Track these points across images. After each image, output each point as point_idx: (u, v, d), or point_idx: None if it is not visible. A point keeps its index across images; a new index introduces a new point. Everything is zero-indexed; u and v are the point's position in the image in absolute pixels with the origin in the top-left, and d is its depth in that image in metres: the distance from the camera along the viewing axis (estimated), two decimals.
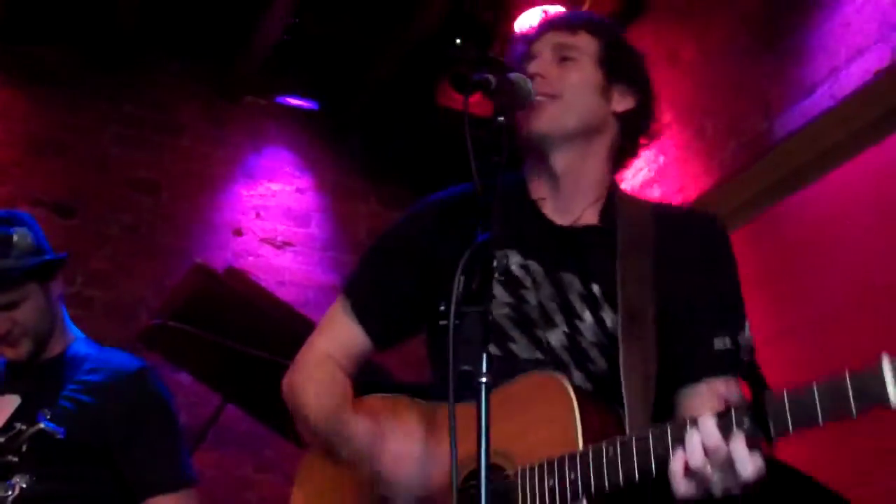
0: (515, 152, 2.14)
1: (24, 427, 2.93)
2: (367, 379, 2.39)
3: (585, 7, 5.50)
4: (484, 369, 1.66)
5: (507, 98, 2.06)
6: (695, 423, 1.70)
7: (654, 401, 2.02)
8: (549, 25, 2.32)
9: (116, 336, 4.95)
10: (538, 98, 2.18)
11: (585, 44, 2.28)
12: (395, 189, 6.44)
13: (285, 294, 5.58)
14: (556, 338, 2.11)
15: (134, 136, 5.97)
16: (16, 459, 2.91)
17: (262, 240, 6.11)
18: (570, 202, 2.24)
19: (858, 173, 4.04)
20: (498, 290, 2.14)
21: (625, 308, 2.06)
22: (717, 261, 2.18)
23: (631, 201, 2.30)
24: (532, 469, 1.90)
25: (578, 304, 2.11)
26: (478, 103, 2.13)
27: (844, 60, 4.08)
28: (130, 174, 5.90)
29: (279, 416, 4.20)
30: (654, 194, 5.02)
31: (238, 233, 6.06)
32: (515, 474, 1.92)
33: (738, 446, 1.64)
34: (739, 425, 1.65)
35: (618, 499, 1.83)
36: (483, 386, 1.65)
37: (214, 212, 6.05)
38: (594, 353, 2.09)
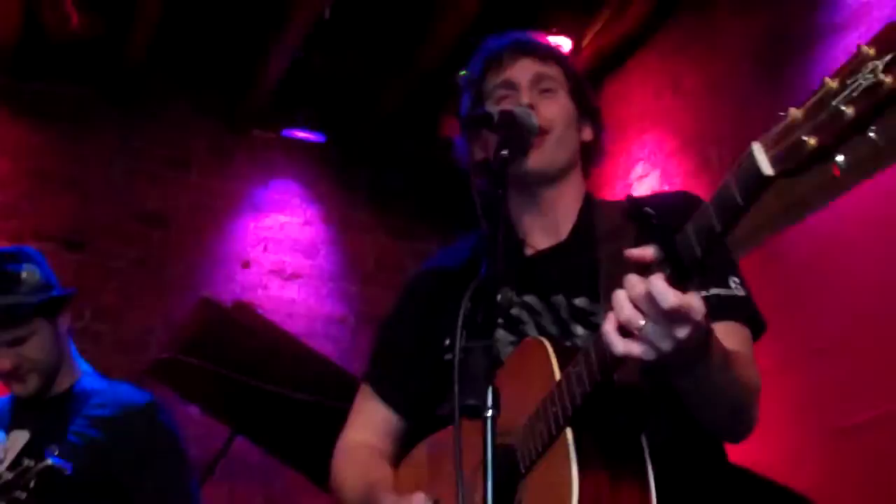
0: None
1: (32, 463, 2.93)
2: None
3: (588, 38, 5.54)
4: (489, 403, 1.67)
5: (511, 130, 2.07)
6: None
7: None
8: (521, 50, 2.27)
9: (125, 370, 4.96)
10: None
11: (558, 75, 2.26)
12: (401, 220, 6.46)
13: (293, 326, 5.59)
14: None
15: (142, 171, 6.01)
16: (23, 496, 2.91)
17: (270, 272, 6.13)
18: (552, 226, 2.24)
19: (862, 201, 4.04)
20: (501, 334, 2.13)
21: (606, 294, 2.01)
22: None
23: (607, 204, 2.30)
24: (526, 426, 1.90)
25: (570, 322, 2.11)
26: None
27: None
28: (139, 208, 5.93)
29: (288, 447, 4.22)
30: None
31: (246, 265, 6.08)
32: (515, 441, 1.93)
33: (655, 282, 1.60)
34: (658, 268, 1.63)
35: (604, 422, 1.82)
36: (489, 420, 1.67)
37: (222, 244, 6.07)
38: None
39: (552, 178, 2.21)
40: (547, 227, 2.24)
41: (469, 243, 2.32)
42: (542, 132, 2.16)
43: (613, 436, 1.82)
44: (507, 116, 2.09)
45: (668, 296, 1.59)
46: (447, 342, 1.73)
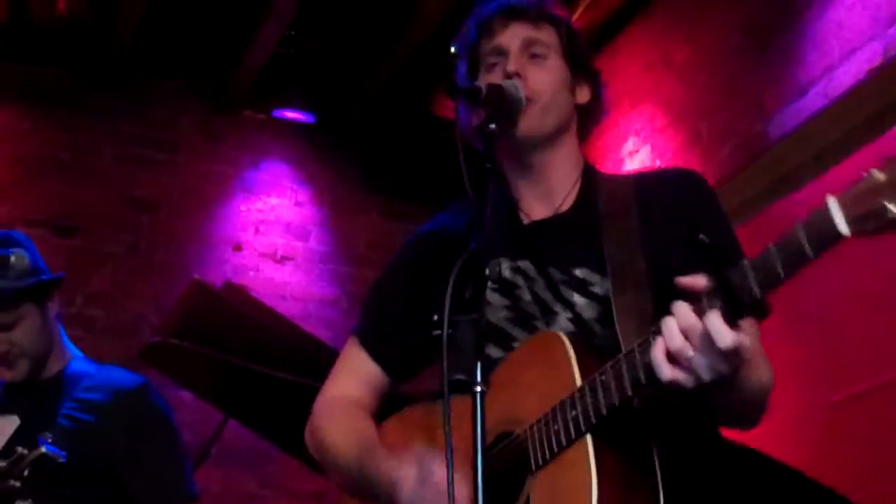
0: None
1: (25, 451, 2.93)
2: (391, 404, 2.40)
3: (578, 14, 5.51)
4: (478, 377, 1.67)
5: (498, 105, 2.06)
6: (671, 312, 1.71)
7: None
8: (512, 14, 2.26)
9: (118, 355, 4.95)
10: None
11: (551, 38, 2.24)
12: (393, 200, 6.45)
13: (286, 308, 5.58)
14: (561, 325, 2.10)
15: (131, 155, 5.98)
16: (17, 484, 2.91)
17: (262, 254, 6.12)
18: (548, 194, 2.24)
19: (854, 172, 4.03)
20: (494, 297, 2.14)
21: (613, 269, 2.05)
22: (701, 203, 2.18)
23: (609, 178, 2.30)
24: (538, 421, 1.90)
25: (566, 291, 2.11)
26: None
27: (837, 59, 4.08)
28: (129, 192, 5.91)
29: (282, 431, 4.21)
30: None
31: (237, 248, 6.06)
32: (524, 432, 1.93)
33: (713, 319, 1.63)
34: (712, 305, 1.65)
35: (618, 429, 1.83)
36: (478, 394, 1.66)
37: (213, 228, 6.05)
38: (597, 327, 2.08)
39: (540, 143, 2.20)
40: (541, 194, 2.24)
41: (467, 207, 2.29)
42: (530, 101, 2.15)
43: (628, 444, 1.84)
44: (495, 90, 2.08)
45: (726, 337, 1.63)
46: (435, 317, 1.72)
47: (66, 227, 5.69)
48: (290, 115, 6.30)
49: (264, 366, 3.81)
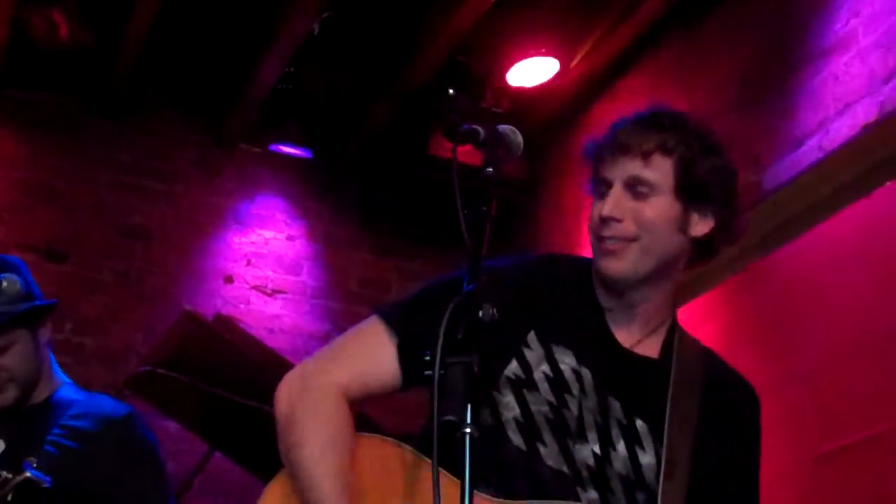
0: (504, 202, 2.12)
1: (9, 476, 2.91)
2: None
3: (577, 60, 5.56)
4: (468, 419, 1.66)
5: (497, 149, 2.05)
6: None
7: None
8: (620, 150, 2.13)
9: (106, 382, 4.95)
10: (613, 243, 2.11)
11: (661, 173, 2.12)
12: (386, 239, 6.45)
13: (275, 342, 5.57)
14: (583, 454, 2.07)
15: (127, 183, 5.99)
16: None
17: (253, 287, 6.11)
18: (633, 324, 2.19)
19: (847, 226, 4.06)
20: (544, 387, 2.09)
21: (668, 450, 2.04)
22: (754, 434, 2.19)
23: (686, 337, 2.24)
24: None
25: (615, 433, 2.08)
26: (469, 154, 2.15)
27: (833, 114, 4.11)
28: (123, 221, 5.91)
29: (267, 465, 4.19)
30: None
31: (229, 280, 6.06)
32: None
33: None
34: None
35: None
36: (466, 436, 1.65)
37: (206, 259, 6.05)
38: (616, 484, 2.06)
39: (634, 283, 2.15)
40: (625, 320, 2.19)
41: (551, 265, 2.27)
42: (627, 240, 2.11)
43: None
44: (493, 133, 2.07)
45: None
46: (427, 357, 1.71)
47: (57, 253, 5.68)
48: (287, 150, 6.31)
49: (252, 399, 3.80)
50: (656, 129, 2.16)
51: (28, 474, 2.89)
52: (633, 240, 2.11)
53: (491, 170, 2.00)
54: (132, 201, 5.96)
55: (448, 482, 1.70)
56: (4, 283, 3.18)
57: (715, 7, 5.01)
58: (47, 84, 5.86)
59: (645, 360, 2.17)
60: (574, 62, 5.59)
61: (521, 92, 5.74)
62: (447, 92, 5.60)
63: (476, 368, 1.71)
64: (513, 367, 2.10)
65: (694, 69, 5.08)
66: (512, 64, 5.52)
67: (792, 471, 3.93)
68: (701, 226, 2.16)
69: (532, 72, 5.55)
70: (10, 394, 3.20)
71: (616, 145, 2.15)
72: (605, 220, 2.11)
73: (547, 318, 2.11)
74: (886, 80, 3.89)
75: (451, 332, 1.74)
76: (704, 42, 5.05)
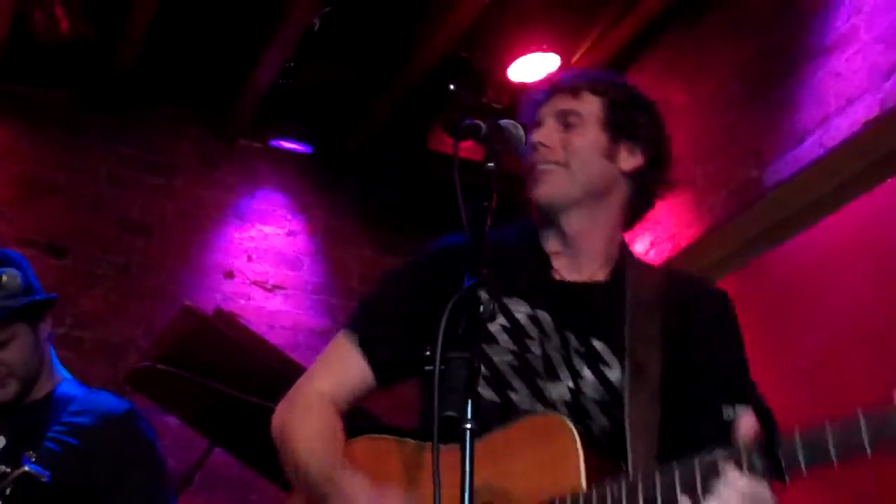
0: (504, 197, 2.13)
1: (8, 470, 2.91)
2: (353, 423, 2.33)
3: (578, 56, 5.55)
4: (469, 415, 1.65)
5: (498, 144, 2.08)
6: (709, 466, 1.69)
7: (657, 455, 2.00)
8: (553, 90, 2.31)
9: (105, 377, 4.94)
10: (543, 166, 2.21)
11: (589, 106, 2.27)
12: (387, 234, 6.45)
13: (275, 338, 5.56)
14: (558, 392, 2.09)
15: (127, 178, 5.98)
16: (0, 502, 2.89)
17: (253, 283, 6.10)
18: (580, 260, 2.24)
19: (847, 222, 4.06)
20: (503, 338, 2.14)
21: (631, 362, 2.05)
22: (726, 332, 2.18)
23: (641, 264, 2.30)
24: None
25: (577, 361, 2.10)
26: (470, 149, 2.16)
27: (834, 110, 4.11)
28: (123, 215, 5.90)
29: (266, 460, 4.18)
30: (645, 241, 5.03)
31: (229, 275, 6.05)
32: None
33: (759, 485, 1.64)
34: (752, 468, 1.65)
35: None
36: (468, 432, 1.64)
37: (206, 254, 6.04)
38: (594, 409, 2.07)
39: (566, 207, 2.23)
40: (570, 257, 2.25)
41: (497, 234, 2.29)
42: (556, 164, 2.21)
43: None
44: (494, 128, 2.09)
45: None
46: (427, 352, 1.71)
47: (57, 248, 5.68)
48: (288, 145, 6.31)
49: (252, 395, 3.80)
50: (588, 74, 2.35)
51: (27, 468, 2.89)
52: (560, 165, 2.21)
53: (492, 165, 2.03)
54: (132, 196, 5.95)
55: (447, 451, 1.70)
56: (4, 278, 3.18)
57: (716, 3, 5.01)
58: (47, 78, 5.85)
59: (592, 285, 2.22)
60: (575, 58, 5.58)
61: (523, 87, 5.73)
62: (448, 87, 5.60)
63: (476, 364, 1.71)
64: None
65: (695, 65, 5.08)
66: (513, 59, 5.52)
67: None
68: (630, 161, 2.27)
69: (533, 67, 5.54)
70: (11, 389, 3.19)
71: (549, 86, 2.32)
72: (535, 147, 2.22)
73: (494, 276, 2.09)
74: (887, 77, 3.89)
75: (452, 328, 1.74)
76: (706, 38, 5.05)
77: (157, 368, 3.88)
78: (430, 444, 1.69)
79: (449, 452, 1.67)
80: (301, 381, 2.31)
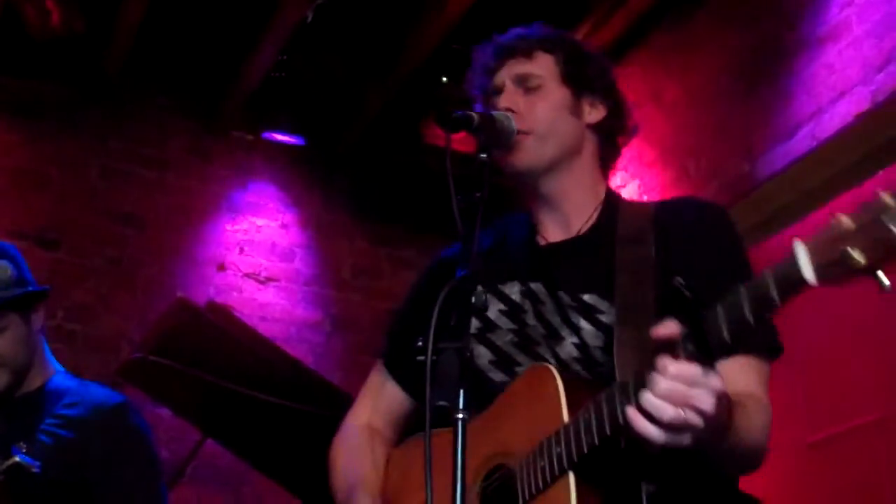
0: (498, 188, 2.14)
1: None
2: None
3: None
4: (461, 405, 1.67)
5: (490, 135, 2.09)
6: (652, 366, 1.68)
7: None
8: (505, 54, 2.30)
9: (98, 370, 4.93)
10: (515, 135, 2.19)
11: (545, 66, 2.27)
12: (380, 226, 6.45)
13: (268, 330, 5.56)
14: (565, 351, 2.10)
15: (120, 170, 5.98)
16: None
17: (246, 275, 6.10)
18: (568, 219, 2.26)
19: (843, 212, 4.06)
20: (502, 321, 2.17)
21: (620, 297, 2.05)
22: (709, 241, 2.15)
23: (630, 204, 2.31)
24: (528, 456, 1.90)
25: (574, 316, 2.11)
26: (462, 141, 2.16)
27: (826, 103, 4.12)
28: (115, 208, 5.90)
29: (258, 452, 4.19)
30: None
31: (221, 268, 6.05)
32: (514, 466, 1.93)
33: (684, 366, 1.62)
34: (685, 351, 1.63)
35: (606, 467, 1.82)
36: (460, 422, 1.66)
37: (198, 246, 6.04)
38: (601, 356, 2.07)
39: (543, 173, 2.23)
40: (559, 219, 2.26)
41: (492, 233, 2.34)
42: (525, 133, 2.19)
43: (615, 483, 1.83)
44: (486, 119, 2.10)
45: (713, 380, 1.62)
46: (419, 343, 1.73)
47: (50, 240, 5.67)
48: (280, 137, 6.31)
49: (244, 387, 3.81)
50: (535, 33, 2.33)
51: (17, 459, 2.89)
52: (531, 131, 2.20)
53: (485, 156, 2.03)
54: (124, 188, 5.95)
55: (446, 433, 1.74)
56: None
57: None
58: (39, 71, 5.84)
59: (577, 239, 2.23)
60: None
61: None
62: (441, 80, 5.60)
63: (468, 353, 1.72)
64: (474, 324, 2.13)
65: (686, 59, 5.08)
66: None
67: (784, 458, 3.94)
68: (594, 113, 2.29)
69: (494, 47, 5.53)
70: (3, 380, 3.18)
71: (498, 51, 2.30)
72: (503, 115, 2.19)
73: (488, 266, 2.13)
74: (880, 69, 3.90)
75: (444, 318, 1.76)
76: (697, 31, 5.06)
77: (149, 360, 3.88)
78: (450, 435, 1.71)
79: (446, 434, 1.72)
80: (347, 415, 2.44)
